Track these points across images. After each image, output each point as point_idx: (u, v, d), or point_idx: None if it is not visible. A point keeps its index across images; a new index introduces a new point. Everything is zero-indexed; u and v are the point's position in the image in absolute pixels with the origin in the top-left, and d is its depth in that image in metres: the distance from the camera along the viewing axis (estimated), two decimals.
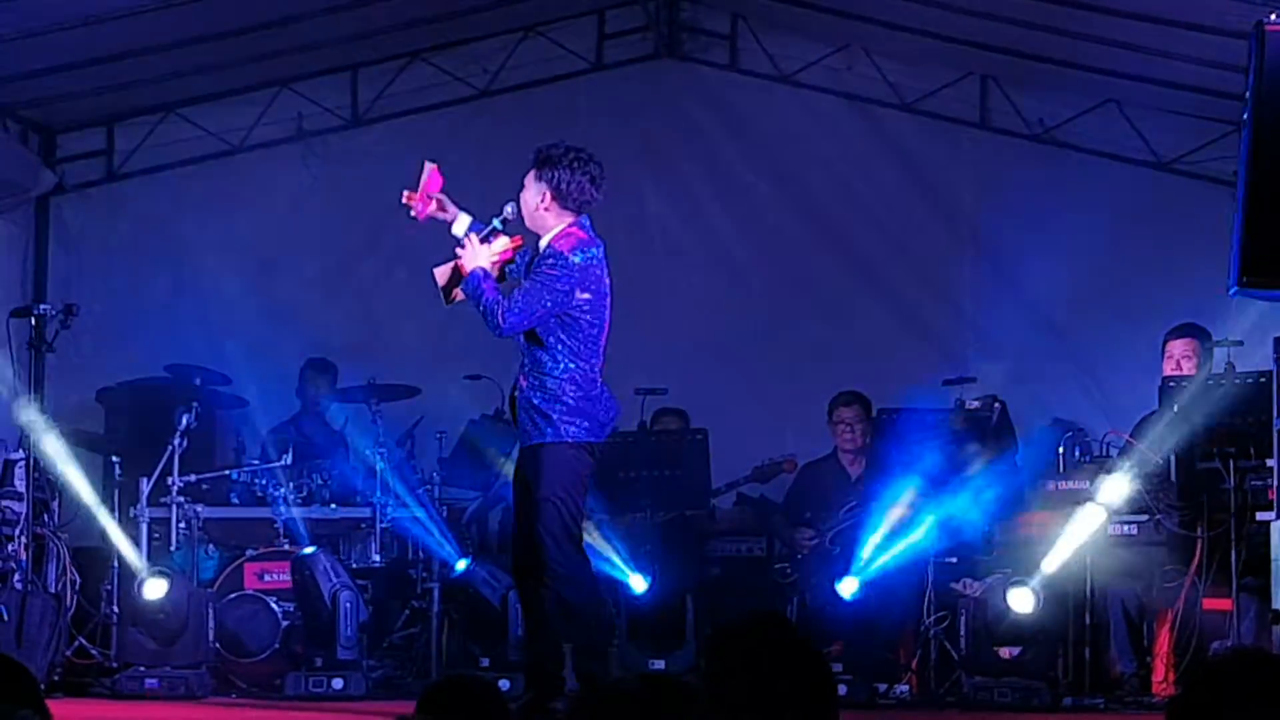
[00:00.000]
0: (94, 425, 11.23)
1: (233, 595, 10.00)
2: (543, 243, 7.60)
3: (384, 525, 10.17)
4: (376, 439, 10.27)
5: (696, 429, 10.68)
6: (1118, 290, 11.33)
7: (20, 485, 9.66)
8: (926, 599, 9.52)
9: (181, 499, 10.01)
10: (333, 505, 10.34)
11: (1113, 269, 11.38)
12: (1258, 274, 7.31)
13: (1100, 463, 9.37)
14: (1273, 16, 7.37)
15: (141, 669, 9.55)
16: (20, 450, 9.81)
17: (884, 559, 9.66)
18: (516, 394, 7.64)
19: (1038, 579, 9.09)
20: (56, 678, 9.43)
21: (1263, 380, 8.56)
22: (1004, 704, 8.99)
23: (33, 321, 9.95)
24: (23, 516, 9.57)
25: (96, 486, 10.11)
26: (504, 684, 8.94)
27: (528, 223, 7.65)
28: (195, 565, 10.43)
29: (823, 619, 9.73)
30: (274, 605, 9.94)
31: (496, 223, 7.60)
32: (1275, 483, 8.29)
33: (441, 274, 7.63)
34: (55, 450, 9.73)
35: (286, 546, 10.14)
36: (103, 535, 9.90)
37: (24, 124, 11.76)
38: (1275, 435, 8.21)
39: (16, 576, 9.50)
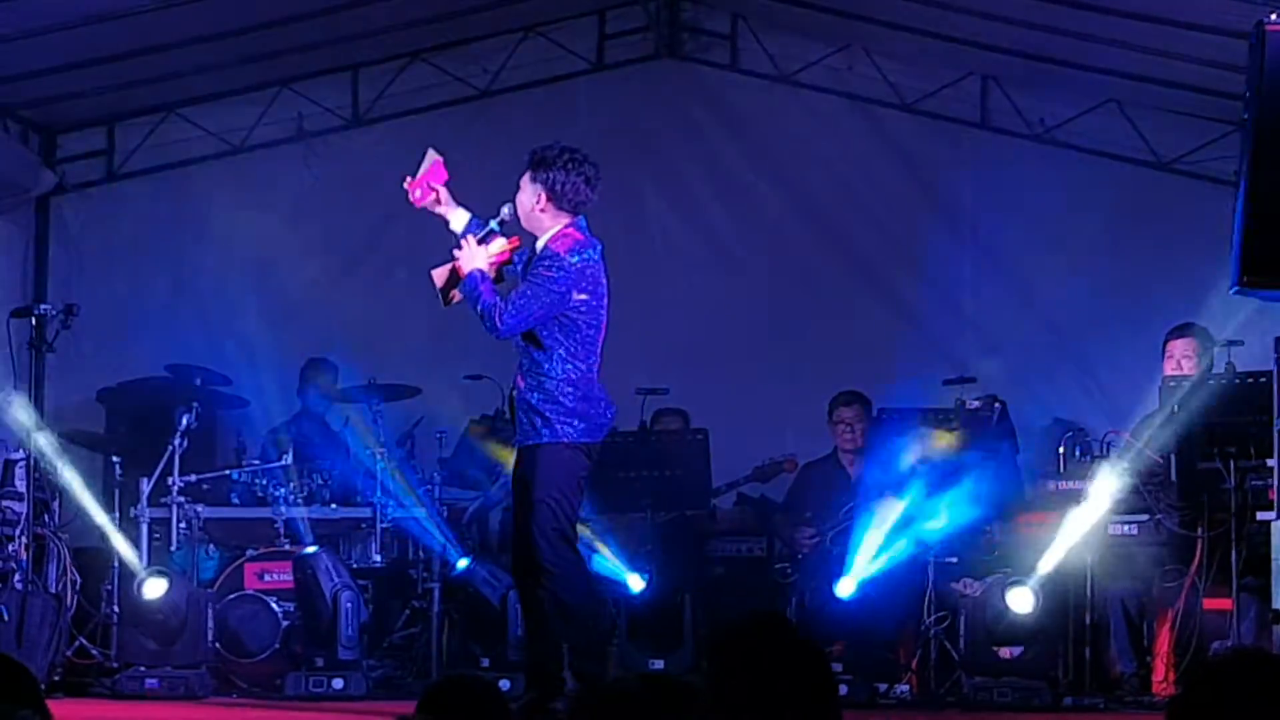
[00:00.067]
0: (94, 425, 11.24)
1: (233, 595, 10.00)
2: (539, 244, 7.60)
3: (384, 525, 10.17)
4: (377, 439, 10.27)
5: (696, 429, 10.68)
6: (1118, 290, 11.33)
7: (21, 485, 9.66)
8: (926, 599, 9.51)
9: (182, 499, 10.00)
10: (333, 505, 10.34)
11: (1113, 269, 11.40)
12: (1259, 273, 7.31)
13: (1100, 463, 9.37)
14: (1273, 16, 7.38)
15: (142, 669, 9.54)
16: (20, 450, 9.80)
17: (883, 559, 9.66)
18: (514, 394, 7.65)
19: (1037, 579, 9.09)
20: (57, 678, 9.43)
21: (1263, 380, 8.56)
22: (1004, 704, 8.99)
23: (33, 321, 9.94)
24: (23, 516, 9.57)
25: (97, 486, 10.11)
26: (504, 684, 8.93)
27: (524, 224, 7.65)
28: (196, 565, 10.44)
29: (823, 619, 9.72)
30: (274, 605, 9.94)
31: (493, 224, 7.60)
32: (1276, 482, 8.29)
33: (439, 276, 7.63)
34: (49, 448, 9.73)
35: (287, 546, 10.14)
36: (102, 535, 9.89)
37: (24, 124, 11.76)
38: (1275, 435, 8.22)
39: (17, 576, 9.49)
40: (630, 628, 10.09)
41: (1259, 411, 8.51)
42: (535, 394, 7.50)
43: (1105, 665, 9.30)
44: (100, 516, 9.84)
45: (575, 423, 7.48)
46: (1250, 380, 8.84)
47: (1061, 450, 9.56)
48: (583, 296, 7.48)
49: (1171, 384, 9.21)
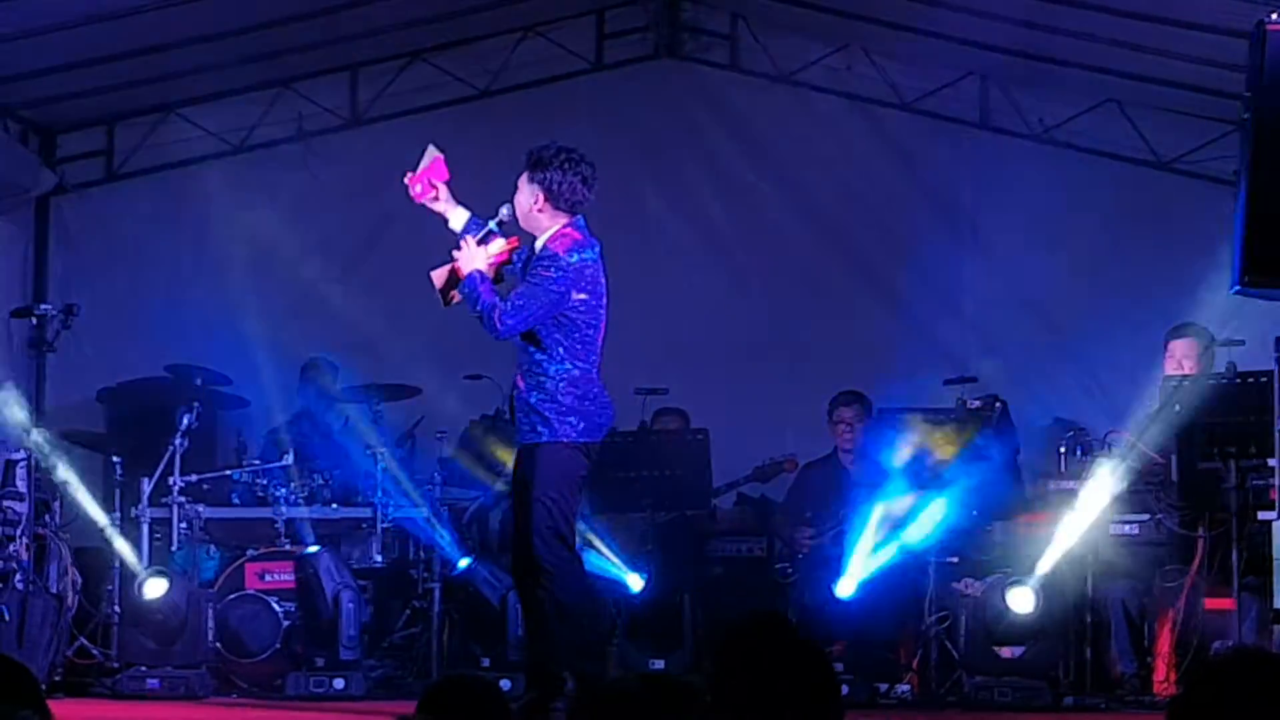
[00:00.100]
0: (94, 425, 11.24)
1: (233, 595, 9.99)
2: (538, 244, 7.60)
3: (385, 525, 10.17)
4: (377, 439, 10.27)
5: (697, 429, 10.68)
6: (1118, 290, 11.33)
7: (22, 485, 9.65)
8: (927, 599, 9.52)
9: (182, 499, 10.00)
10: (334, 505, 10.34)
11: (1113, 269, 11.39)
12: (1259, 273, 7.31)
13: (1100, 462, 9.37)
14: (1273, 16, 7.37)
15: (142, 669, 9.55)
16: (21, 450, 9.80)
17: (883, 559, 9.66)
18: (514, 394, 7.66)
19: (1038, 579, 9.09)
20: (58, 678, 9.44)
21: (1263, 380, 8.56)
22: (1005, 704, 9.00)
23: (33, 321, 9.94)
24: (24, 517, 9.57)
25: (97, 486, 10.11)
26: (505, 684, 8.93)
27: (522, 224, 7.65)
28: (196, 565, 10.44)
29: (823, 619, 9.71)
30: (275, 605, 9.94)
31: (492, 225, 7.61)
32: (1276, 482, 8.30)
33: (438, 276, 7.64)
34: (46, 446, 9.73)
35: (287, 546, 10.14)
36: (103, 535, 9.89)
37: (24, 124, 11.76)
38: (1276, 435, 8.22)
39: (18, 576, 9.49)
40: (630, 628, 10.09)
41: (1259, 411, 8.52)
42: (535, 394, 7.50)
43: (1106, 665, 9.30)
44: (99, 516, 9.84)
45: (575, 422, 7.48)
46: (1250, 380, 8.84)
47: (1062, 450, 9.57)
48: (582, 296, 7.48)
49: (1172, 383, 9.22)
